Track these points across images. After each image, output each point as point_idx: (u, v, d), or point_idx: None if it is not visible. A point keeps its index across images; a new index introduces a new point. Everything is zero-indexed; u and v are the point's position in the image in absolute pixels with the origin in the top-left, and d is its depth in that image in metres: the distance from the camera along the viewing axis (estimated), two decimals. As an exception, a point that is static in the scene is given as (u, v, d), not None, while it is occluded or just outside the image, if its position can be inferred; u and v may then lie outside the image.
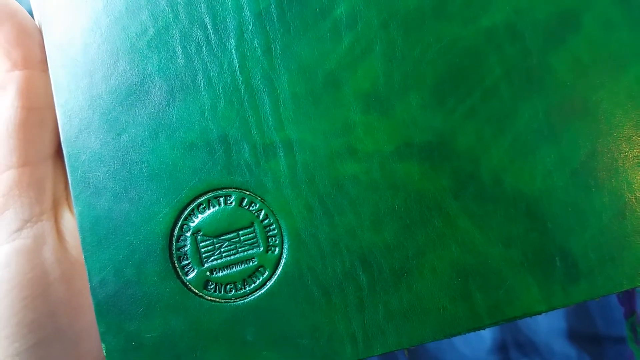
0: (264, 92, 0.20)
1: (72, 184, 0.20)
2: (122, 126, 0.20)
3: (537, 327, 0.38)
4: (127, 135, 0.20)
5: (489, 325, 0.19)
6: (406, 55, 0.20)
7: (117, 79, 0.20)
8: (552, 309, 0.19)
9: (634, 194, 0.20)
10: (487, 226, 0.19)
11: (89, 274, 0.20)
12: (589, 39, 0.20)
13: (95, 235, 0.20)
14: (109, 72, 0.20)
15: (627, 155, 0.20)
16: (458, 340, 0.38)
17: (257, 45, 0.20)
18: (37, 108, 0.22)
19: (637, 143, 0.20)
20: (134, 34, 0.20)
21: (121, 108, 0.20)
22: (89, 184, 0.20)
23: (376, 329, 0.19)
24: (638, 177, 0.20)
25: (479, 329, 0.19)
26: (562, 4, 0.20)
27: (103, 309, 0.20)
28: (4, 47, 0.21)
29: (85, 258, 0.20)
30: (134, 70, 0.20)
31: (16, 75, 0.21)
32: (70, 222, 0.22)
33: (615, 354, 0.37)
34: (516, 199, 0.19)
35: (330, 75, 0.20)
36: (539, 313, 0.19)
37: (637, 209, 0.20)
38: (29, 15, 0.22)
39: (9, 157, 0.21)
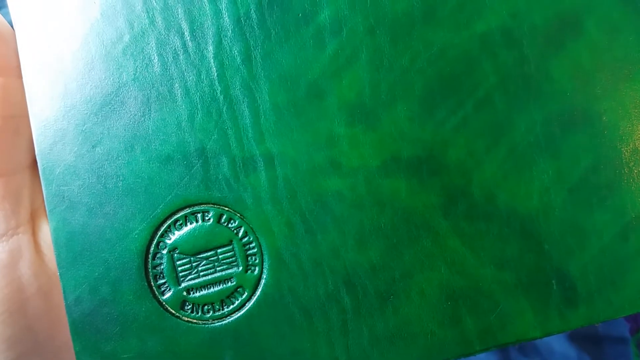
0: (243, 102, 0.19)
1: (46, 198, 0.19)
2: (97, 138, 0.19)
3: None
4: (102, 147, 0.19)
5: (480, 352, 0.18)
6: (394, 64, 0.18)
7: (92, 88, 0.19)
8: (548, 334, 0.18)
9: (638, 212, 0.18)
10: (478, 246, 0.18)
11: (64, 291, 0.19)
12: (591, 44, 0.18)
13: (70, 252, 0.19)
14: (84, 80, 0.19)
15: (631, 171, 0.18)
16: None
17: (236, 53, 0.19)
18: (13, 116, 0.21)
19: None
20: (109, 41, 0.19)
21: (96, 119, 0.19)
22: (63, 197, 0.19)
23: (360, 354, 0.18)
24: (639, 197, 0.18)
25: (469, 355, 0.18)
26: (561, 7, 0.18)
27: (78, 328, 0.19)
28: None
29: (60, 275, 0.19)
30: (109, 79, 0.19)
31: None
32: (48, 235, 0.21)
33: (615, 354, 0.37)
34: (510, 217, 0.18)
35: (314, 85, 0.19)
36: (534, 339, 0.18)
37: None
38: (5, 22, 0.22)
39: None
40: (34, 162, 0.22)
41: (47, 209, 0.19)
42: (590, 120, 0.18)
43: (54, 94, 0.19)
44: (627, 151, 0.18)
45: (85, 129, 0.19)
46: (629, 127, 0.18)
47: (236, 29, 0.19)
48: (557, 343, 0.37)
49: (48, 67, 0.19)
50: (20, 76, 0.21)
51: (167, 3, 0.19)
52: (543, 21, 0.18)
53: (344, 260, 0.19)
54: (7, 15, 0.23)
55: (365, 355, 0.18)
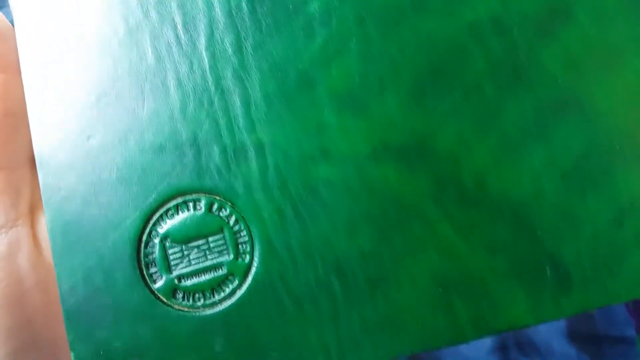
0: (234, 92, 0.19)
1: (42, 188, 0.20)
2: (92, 130, 0.19)
3: (537, 327, 0.38)
4: (97, 139, 0.19)
5: (473, 339, 0.18)
6: (383, 53, 0.19)
7: (89, 82, 0.20)
8: (542, 321, 0.18)
9: (633, 198, 0.18)
10: (469, 232, 0.18)
11: (59, 281, 0.19)
12: (582, 32, 0.18)
13: (65, 241, 0.19)
14: (82, 75, 0.20)
15: (625, 157, 0.18)
16: None
17: (227, 44, 0.19)
18: (13, 112, 0.21)
19: (637, 143, 0.18)
20: (105, 36, 0.20)
21: (92, 111, 0.19)
22: (59, 189, 0.20)
23: (351, 342, 0.18)
24: (637, 180, 0.18)
25: (461, 342, 0.18)
26: None
27: (72, 317, 0.19)
28: None
29: (55, 264, 0.19)
30: (106, 72, 0.20)
31: None
32: (46, 228, 0.22)
33: (615, 354, 0.37)
34: (501, 203, 0.18)
35: (304, 75, 0.19)
36: (527, 326, 0.18)
37: (637, 215, 0.18)
38: (6, 20, 0.22)
39: None
40: (34, 158, 0.22)
41: (43, 199, 0.20)
42: (582, 107, 0.18)
43: (52, 88, 0.20)
44: (620, 137, 0.18)
45: (81, 122, 0.19)
46: (622, 113, 0.18)
47: (228, 21, 0.19)
48: (557, 343, 0.37)
49: (47, 62, 0.20)
50: (19, 73, 0.22)
51: None
52: (533, 9, 0.18)
53: (334, 247, 0.18)
54: (8, 15, 0.23)
55: (355, 342, 0.18)
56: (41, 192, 0.20)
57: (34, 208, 0.22)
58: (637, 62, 0.18)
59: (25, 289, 0.21)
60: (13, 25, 0.22)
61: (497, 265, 0.18)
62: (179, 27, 0.19)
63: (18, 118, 0.21)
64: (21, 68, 0.20)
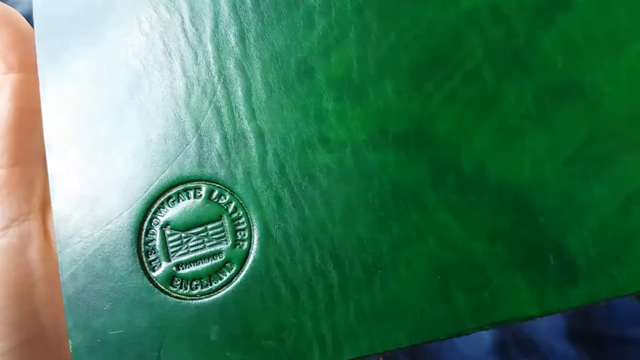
0: (236, 81, 0.19)
1: (51, 176, 0.20)
2: (100, 114, 0.20)
3: (537, 327, 0.38)
4: (105, 123, 0.20)
5: (474, 330, 0.17)
6: (381, 41, 0.19)
7: (100, 72, 0.20)
8: (546, 313, 0.17)
9: (634, 183, 0.17)
10: (469, 219, 0.18)
11: (61, 268, 0.20)
12: (582, 18, 0.18)
13: (68, 228, 0.20)
14: (94, 65, 0.20)
15: (630, 142, 0.18)
16: (458, 340, 0.36)
17: (230, 35, 0.20)
18: (30, 110, 0.22)
19: (634, 127, 0.18)
20: (118, 30, 0.20)
21: (100, 96, 0.20)
22: (67, 177, 0.20)
23: (347, 331, 0.18)
24: (634, 165, 0.17)
25: (461, 333, 0.17)
26: None
27: (72, 304, 0.19)
28: (1, 51, 0.22)
29: (59, 251, 0.20)
30: (118, 63, 0.20)
31: (11, 78, 0.22)
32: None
33: (615, 353, 0.36)
34: (502, 189, 0.18)
35: (303, 63, 0.19)
36: (531, 318, 0.17)
37: None
38: (26, 22, 0.23)
39: (0, 157, 0.21)
40: None
41: (50, 187, 0.20)
42: (583, 92, 0.18)
43: (64, 79, 0.20)
44: (625, 121, 0.18)
45: (89, 106, 0.20)
46: (626, 96, 0.18)
47: (232, 14, 0.20)
48: (557, 343, 0.37)
49: (62, 60, 0.21)
50: (37, 71, 0.23)
51: None
52: None
53: (331, 234, 0.18)
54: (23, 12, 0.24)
55: (351, 331, 0.18)
56: (49, 180, 0.20)
57: (45, 203, 0.22)
58: (638, 46, 0.18)
59: (34, 281, 0.21)
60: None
61: (498, 253, 0.17)
62: (186, 20, 0.20)
63: (36, 116, 0.22)
64: (38, 68, 0.21)
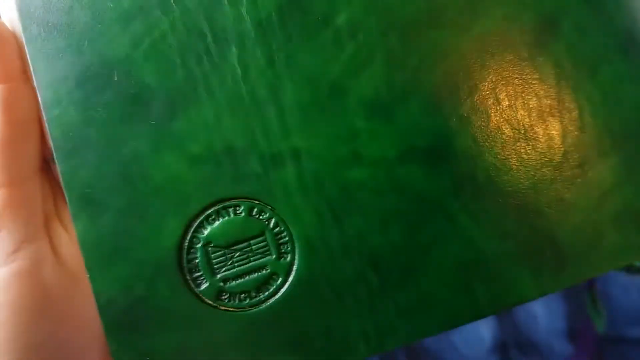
0: (268, 101, 0.20)
1: (70, 202, 0.19)
2: (121, 140, 0.19)
3: (537, 327, 0.39)
4: (127, 149, 0.19)
5: (490, 314, 0.21)
6: (405, 63, 0.20)
7: (112, 91, 0.20)
8: (544, 294, 0.21)
9: (608, 186, 0.22)
10: (484, 222, 0.21)
11: (96, 293, 0.19)
12: (567, 44, 0.21)
13: (100, 253, 0.19)
14: (103, 84, 0.19)
15: (601, 149, 0.22)
16: (458, 341, 0.38)
17: (259, 55, 0.20)
18: (21, 122, 0.21)
19: (608, 139, 0.22)
20: (127, 44, 0.20)
21: (119, 121, 0.19)
22: (88, 201, 0.19)
23: (387, 326, 0.20)
24: (609, 171, 0.22)
25: (480, 318, 0.21)
26: (543, 10, 0.21)
27: (114, 328, 0.19)
28: None
29: (91, 277, 0.19)
30: (130, 81, 0.20)
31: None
32: (63, 237, 0.22)
33: (614, 353, 0.38)
34: (509, 195, 0.21)
35: (334, 84, 0.20)
36: (533, 299, 0.21)
37: (612, 200, 0.22)
38: (5, 25, 0.21)
39: None
40: (42, 167, 0.22)
41: (71, 213, 0.19)
42: (568, 110, 0.21)
43: (72, 98, 0.19)
44: (595, 136, 0.22)
45: (107, 132, 0.19)
46: (597, 115, 0.22)
47: (258, 32, 0.20)
48: (557, 343, 0.38)
49: (62, 73, 0.19)
50: (24, 80, 0.21)
51: (187, 8, 0.20)
52: (530, 23, 0.21)
53: (368, 243, 0.20)
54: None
55: (391, 327, 0.20)
56: (69, 206, 0.20)
57: (48, 219, 0.22)
58: (609, 69, 0.22)
59: (51, 301, 0.20)
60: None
61: (507, 250, 0.21)
62: (209, 37, 0.20)
63: (27, 127, 0.21)
64: (34, 76, 0.20)
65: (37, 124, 0.21)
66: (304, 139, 0.20)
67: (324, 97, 0.20)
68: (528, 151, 0.21)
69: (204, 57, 0.20)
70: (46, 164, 0.22)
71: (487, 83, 0.21)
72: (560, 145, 0.21)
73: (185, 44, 0.20)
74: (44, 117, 0.20)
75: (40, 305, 0.20)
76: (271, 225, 0.20)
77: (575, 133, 0.21)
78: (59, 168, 0.20)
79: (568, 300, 0.38)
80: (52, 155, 0.22)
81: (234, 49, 0.20)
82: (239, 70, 0.20)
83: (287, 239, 0.20)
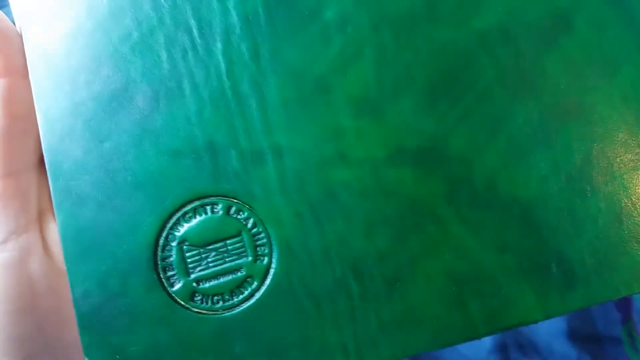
0: (251, 97, 0.19)
1: (53, 193, 0.19)
2: (105, 133, 0.19)
3: (537, 327, 0.38)
4: (110, 142, 0.19)
5: (485, 335, 0.19)
6: (397, 59, 0.19)
7: (100, 85, 0.20)
8: (549, 317, 0.19)
9: (631, 198, 0.19)
10: (480, 232, 0.19)
11: (72, 286, 0.19)
12: (581, 41, 0.19)
13: (78, 246, 0.19)
14: (92, 77, 0.20)
15: (622, 160, 0.19)
16: None
17: (244, 50, 0.19)
18: (20, 116, 0.21)
19: (633, 146, 0.19)
20: (117, 39, 0.20)
21: (104, 115, 0.19)
22: (71, 193, 0.19)
23: (368, 340, 0.19)
24: (634, 182, 0.19)
25: (474, 338, 0.19)
26: (553, 5, 0.19)
27: (86, 322, 0.19)
28: None
29: (68, 269, 0.19)
30: (117, 75, 0.19)
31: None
32: (55, 233, 0.22)
33: (615, 354, 0.37)
34: (510, 204, 0.19)
35: (320, 80, 0.19)
36: (536, 321, 0.19)
37: (634, 214, 0.19)
38: (10, 22, 0.22)
39: None
40: (41, 161, 0.22)
41: (54, 203, 0.19)
42: (583, 113, 0.19)
43: (62, 90, 0.20)
44: (618, 141, 0.19)
45: (93, 125, 0.19)
46: (619, 118, 0.19)
47: (244, 27, 0.19)
48: (557, 343, 0.38)
49: (55, 65, 0.20)
50: (25, 76, 0.21)
51: (176, 2, 0.19)
52: (536, 18, 0.19)
53: (351, 249, 0.19)
54: (9, 15, 0.23)
55: (373, 341, 0.19)
56: (52, 197, 0.20)
57: (42, 213, 0.22)
58: (631, 70, 0.20)
59: (37, 294, 0.20)
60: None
61: (507, 263, 0.19)
62: (195, 32, 0.19)
63: (25, 122, 0.21)
64: (29, 69, 0.20)
65: (36, 119, 0.22)
66: (286, 136, 0.19)
67: (308, 93, 0.19)
68: (535, 157, 0.19)
69: (189, 52, 0.19)
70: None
71: (486, 81, 0.19)
72: (574, 154, 0.19)
73: (172, 39, 0.19)
74: (36, 108, 0.20)
75: (25, 298, 0.20)
76: (249, 225, 0.19)
77: (592, 140, 0.19)
78: (45, 158, 0.20)
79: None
80: None
81: (219, 44, 0.19)
82: (223, 65, 0.19)
83: (265, 240, 0.19)
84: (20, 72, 0.21)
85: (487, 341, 0.38)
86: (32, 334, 0.20)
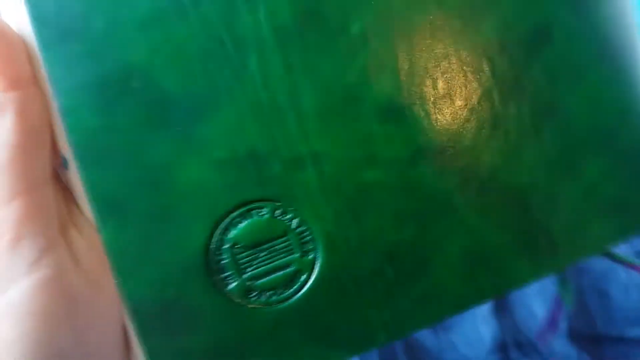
0: (288, 108, 0.21)
1: (96, 210, 0.20)
2: (145, 146, 0.20)
3: (538, 328, 0.40)
4: (151, 154, 0.20)
5: (492, 298, 0.23)
6: (414, 70, 0.22)
7: (132, 98, 0.20)
8: (540, 278, 0.23)
9: (593, 179, 0.24)
10: (487, 216, 0.23)
11: (125, 300, 0.20)
12: (558, 50, 0.23)
13: (128, 260, 0.20)
14: (123, 90, 0.20)
15: (587, 150, 0.24)
16: (458, 340, 0.39)
17: (278, 62, 0.21)
18: (35, 128, 0.21)
19: (593, 139, 0.24)
20: (145, 51, 0.20)
21: (141, 127, 0.20)
22: (114, 208, 0.20)
23: (404, 314, 0.22)
24: (594, 169, 0.24)
25: (484, 302, 0.23)
26: (537, 18, 0.23)
27: (146, 331, 0.20)
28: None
29: (119, 284, 0.20)
30: (150, 88, 0.20)
31: (12, 97, 0.20)
32: (79, 242, 0.22)
33: (615, 353, 0.38)
34: (509, 191, 0.23)
35: (350, 90, 0.21)
36: (530, 283, 0.23)
37: (596, 193, 0.24)
38: (13, 30, 0.21)
39: (15, 184, 0.20)
40: (54, 171, 0.22)
41: (97, 220, 0.20)
42: (561, 111, 0.23)
43: (92, 106, 0.20)
44: (585, 135, 0.24)
45: (130, 138, 0.20)
46: (587, 117, 0.24)
47: (276, 40, 0.21)
48: (557, 343, 0.39)
49: (81, 78, 0.20)
50: (34, 83, 0.21)
51: (204, 15, 0.20)
52: (525, 30, 0.23)
53: (384, 238, 0.22)
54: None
55: (407, 314, 0.22)
56: (94, 215, 0.20)
57: (64, 225, 0.22)
58: (595, 76, 0.24)
59: (76, 307, 0.21)
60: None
61: (508, 240, 0.23)
62: (228, 45, 0.20)
63: (40, 134, 0.21)
64: (51, 89, 0.19)
65: (48, 130, 0.21)
66: (322, 143, 0.21)
67: (339, 102, 0.21)
68: (526, 151, 0.23)
69: (225, 64, 0.20)
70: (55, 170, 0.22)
71: (488, 87, 0.22)
72: (554, 146, 0.23)
73: (205, 51, 0.20)
74: (62, 124, 0.20)
75: (66, 313, 0.20)
76: (293, 225, 0.21)
77: (568, 135, 0.23)
78: (80, 176, 0.20)
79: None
80: (60, 161, 0.22)
81: (253, 56, 0.20)
82: (258, 77, 0.21)
83: (309, 237, 0.21)
84: (30, 81, 0.21)
85: (487, 341, 0.39)
86: (73, 348, 0.20)
